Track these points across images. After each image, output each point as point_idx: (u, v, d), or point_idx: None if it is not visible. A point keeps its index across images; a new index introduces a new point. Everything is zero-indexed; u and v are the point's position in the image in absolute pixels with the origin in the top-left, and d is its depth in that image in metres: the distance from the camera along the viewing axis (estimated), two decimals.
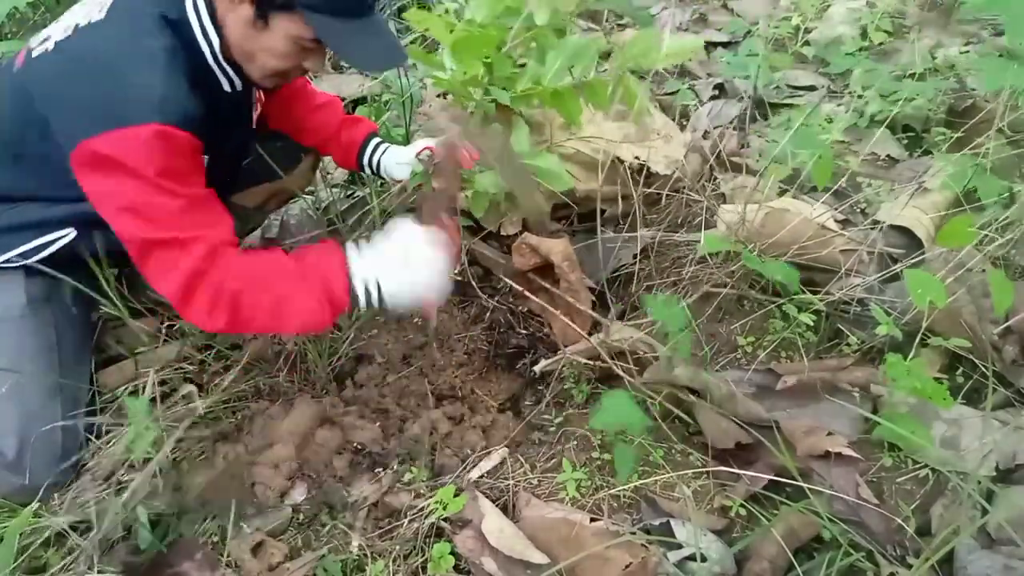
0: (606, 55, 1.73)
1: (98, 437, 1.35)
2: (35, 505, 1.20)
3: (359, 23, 1.11)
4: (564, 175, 1.57)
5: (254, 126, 1.45)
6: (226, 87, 1.24)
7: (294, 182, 1.64)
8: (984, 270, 1.38)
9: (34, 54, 1.17)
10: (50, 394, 1.28)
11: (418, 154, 1.48)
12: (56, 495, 1.27)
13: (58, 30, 1.16)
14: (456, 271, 1.66)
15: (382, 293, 1.15)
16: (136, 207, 1.07)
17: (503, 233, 1.88)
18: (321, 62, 1.20)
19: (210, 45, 1.15)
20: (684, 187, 1.89)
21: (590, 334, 1.55)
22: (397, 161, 1.54)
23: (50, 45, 1.14)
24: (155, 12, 1.10)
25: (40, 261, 1.26)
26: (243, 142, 1.44)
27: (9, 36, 2.25)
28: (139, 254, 1.10)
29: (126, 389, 1.43)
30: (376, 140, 1.60)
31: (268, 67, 1.18)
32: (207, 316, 1.11)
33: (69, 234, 1.26)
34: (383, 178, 1.62)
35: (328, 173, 1.98)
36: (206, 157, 1.20)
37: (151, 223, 1.07)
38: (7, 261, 1.27)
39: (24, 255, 1.26)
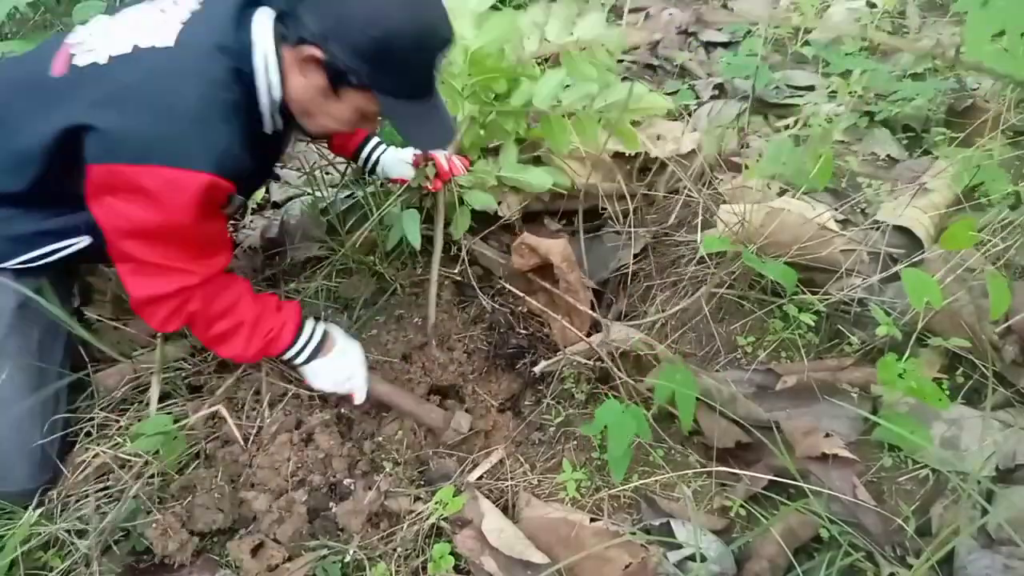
0: None
1: (88, 435, 1.35)
2: (35, 515, 1.20)
3: (422, 104, 1.15)
4: (549, 182, 1.68)
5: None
6: (267, 129, 1.22)
7: None
8: (984, 270, 1.38)
9: (79, 62, 1.11)
10: (29, 396, 1.26)
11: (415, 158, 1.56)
12: (52, 495, 1.27)
13: (112, 43, 1.11)
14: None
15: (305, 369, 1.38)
16: (155, 235, 1.11)
17: (499, 215, 1.87)
18: (375, 127, 1.24)
19: (271, 99, 1.16)
20: (684, 187, 1.89)
21: (589, 334, 1.55)
22: (400, 158, 1.61)
23: (101, 57, 1.10)
24: (227, 62, 1.09)
25: (43, 263, 1.25)
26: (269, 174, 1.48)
27: (9, 36, 2.25)
28: (128, 263, 1.15)
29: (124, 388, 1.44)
30: (377, 138, 1.65)
31: (327, 127, 1.23)
32: (161, 324, 1.22)
33: (83, 241, 1.25)
34: (375, 175, 1.68)
35: (327, 173, 1.98)
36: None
37: (160, 252, 1.14)
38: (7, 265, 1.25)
39: (32, 259, 1.24)
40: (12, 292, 1.24)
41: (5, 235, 1.21)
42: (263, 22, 1.10)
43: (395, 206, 1.68)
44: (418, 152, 1.55)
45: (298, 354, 1.34)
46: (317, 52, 1.06)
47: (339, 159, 1.88)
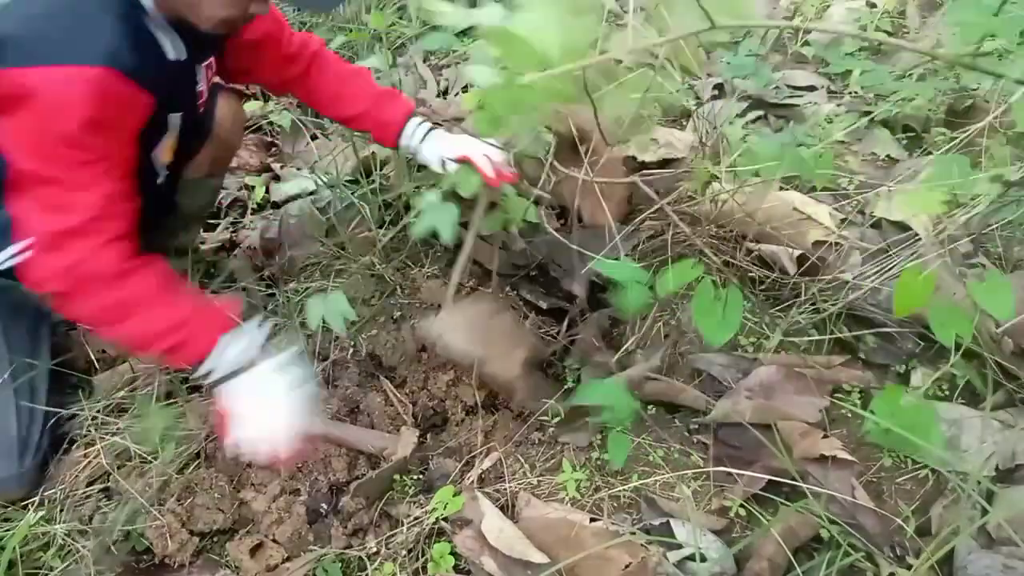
0: None
1: (86, 435, 1.35)
2: (34, 516, 1.20)
3: None
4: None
5: (201, 108, 1.36)
6: (171, 55, 1.16)
7: (225, 133, 1.51)
8: (984, 267, 1.38)
9: None
10: None
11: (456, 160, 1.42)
12: (53, 495, 1.27)
13: None
14: None
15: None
16: (50, 145, 1.01)
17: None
18: (267, 5, 1.14)
19: (147, 11, 1.09)
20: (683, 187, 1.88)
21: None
22: (443, 155, 1.47)
23: None
24: None
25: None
26: (193, 123, 1.35)
27: None
28: (19, 185, 1.04)
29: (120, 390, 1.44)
30: (417, 121, 1.52)
31: (215, 16, 1.11)
32: (45, 281, 1.05)
33: None
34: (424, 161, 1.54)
35: (326, 173, 1.97)
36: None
37: (54, 164, 1.02)
38: None
39: None
40: None
41: None
42: None
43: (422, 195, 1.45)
44: (463, 152, 1.39)
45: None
46: None
47: (339, 155, 1.87)
